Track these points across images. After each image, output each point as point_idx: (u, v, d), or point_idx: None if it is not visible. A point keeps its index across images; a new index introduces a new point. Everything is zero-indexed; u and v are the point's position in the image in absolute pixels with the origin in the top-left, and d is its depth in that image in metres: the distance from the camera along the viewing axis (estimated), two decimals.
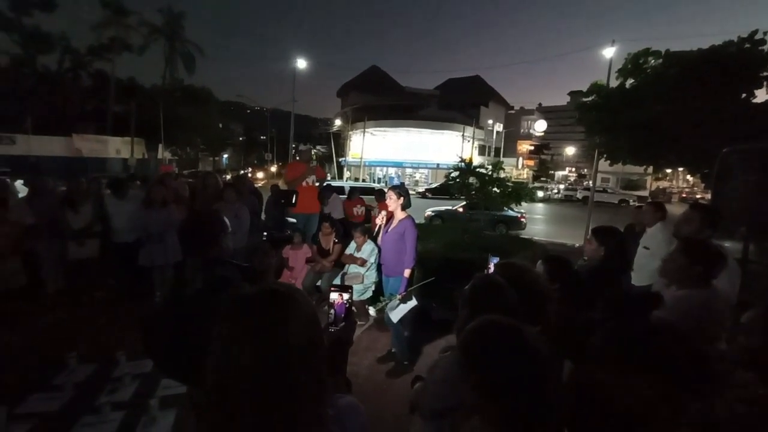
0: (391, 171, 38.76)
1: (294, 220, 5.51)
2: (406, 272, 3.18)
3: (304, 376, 0.67)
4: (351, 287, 1.29)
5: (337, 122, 38.86)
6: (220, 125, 37.05)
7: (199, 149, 33.70)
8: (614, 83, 10.69)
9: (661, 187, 42.07)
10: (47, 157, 17.13)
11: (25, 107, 18.64)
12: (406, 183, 33.50)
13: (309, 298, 0.79)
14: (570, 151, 54.94)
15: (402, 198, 3.29)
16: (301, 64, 21.91)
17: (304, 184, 5.01)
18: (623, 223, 4.27)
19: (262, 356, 0.64)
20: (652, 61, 9.69)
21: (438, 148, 37.03)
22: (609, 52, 12.17)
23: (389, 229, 3.37)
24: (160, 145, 25.05)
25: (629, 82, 10.07)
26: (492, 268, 1.83)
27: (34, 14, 21.62)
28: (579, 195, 31.66)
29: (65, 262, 4.16)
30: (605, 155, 10.87)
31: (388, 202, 3.35)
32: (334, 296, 1.24)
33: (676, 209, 3.93)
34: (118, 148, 21.54)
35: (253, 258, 2.25)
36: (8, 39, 20.90)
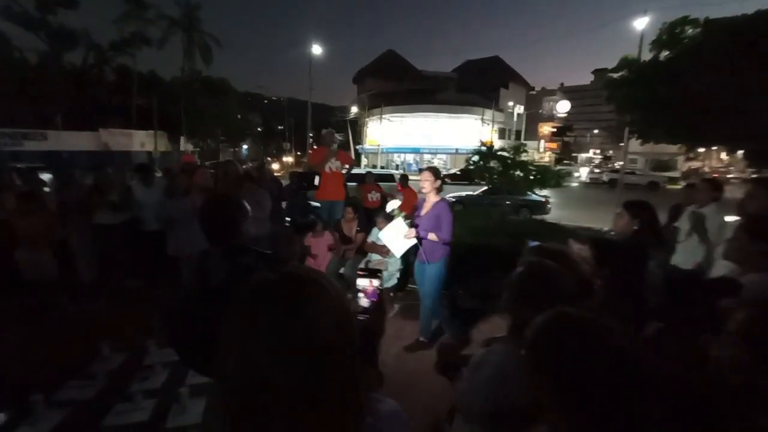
0: (409, 157, 38.39)
1: (317, 205, 5.42)
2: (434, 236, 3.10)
3: (334, 374, 0.56)
4: (380, 271, 1.17)
5: (354, 109, 38.59)
6: (239, 116, 37.36)
7: (220, 140, 34.16)
8: (646, 57, 10.05)
9: (692, 167, 39.94)
10: (77, 152, 17.75)
11: (54, 104, 19.24)
12: None
13: (337, 283, 0.67)
14: (594, 132, 52.85)
15: (439, 180, 3.14)
16: (317, 50, 21.74)
17: (327, 169, 4.90)
18: (658, 207, 3.99)
19: (284, 352, 0.53)
20: (690, 30, 9.00)
21: (456, 133, 36.34)
22: (641, 23, 11.42)
23: (423, 214, 3.23)
24: (182, 137, 25.50)
25: (664, 54, 9.42)
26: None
27: (58, 12, 22.17)
28: (605, 177, 30.50)
29: (97, 252, 4.23)
30: (637, 134, 10.30)
31: (423, 184, 3.19)
32: (363, 282, 1.13)
33: None
34: (142, 141, 22.09)
35: (277, 245, 2.17)
36: (35, 37, 21.61)
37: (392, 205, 3.50)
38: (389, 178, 15.52)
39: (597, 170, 34.87)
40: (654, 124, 9.12)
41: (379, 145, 35.43)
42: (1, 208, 3.88)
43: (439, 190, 3.19)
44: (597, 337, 0.67)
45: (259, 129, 55.97)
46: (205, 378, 2.62)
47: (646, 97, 8.68)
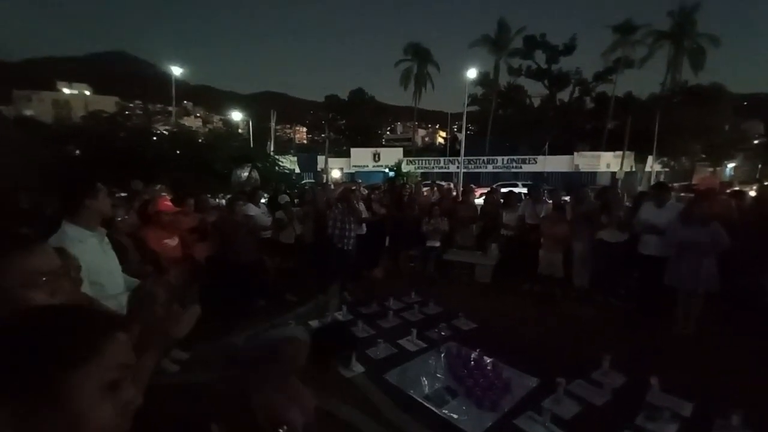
0: None
1: None
2: None
3: None
4: None
5: None
6: (727, 127, 29.11)
7: (697, 158, 28.42)
8: None
9: None
10: (553, 173, 21.25)
11: (544, 135, 24.10)
12: None
13: None
14: None
15: None
16: None
17: None
18: None
19: None
20: None
21: None
22: None
23: None
24: (650, 157, 23.62)
25: None
26: None
27: (559, 60, 27.28)
28: None
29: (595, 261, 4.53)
30: None
31: None
32: None
33: None
34: (608, 162, 22.70)
35: None
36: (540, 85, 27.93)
37: None
38: None
39: None
40: None
41: None
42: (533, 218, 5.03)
43: None
44: None
45: (756, 141, 40.84)
46: None
47: None
